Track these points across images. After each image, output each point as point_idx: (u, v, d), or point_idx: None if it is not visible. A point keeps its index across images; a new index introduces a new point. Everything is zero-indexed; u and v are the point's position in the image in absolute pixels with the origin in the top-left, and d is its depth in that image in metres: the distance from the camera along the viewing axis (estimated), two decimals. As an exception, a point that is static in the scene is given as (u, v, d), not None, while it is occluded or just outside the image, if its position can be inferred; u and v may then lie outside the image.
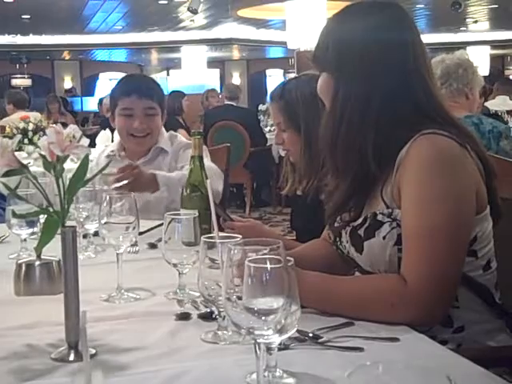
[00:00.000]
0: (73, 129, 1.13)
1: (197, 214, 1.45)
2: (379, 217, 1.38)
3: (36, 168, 1.35)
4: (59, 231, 1.17)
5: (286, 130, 2.11)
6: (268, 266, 0.91)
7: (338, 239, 1.51)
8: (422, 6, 12.25)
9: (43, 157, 1.12)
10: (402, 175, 1.34)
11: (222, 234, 1.23)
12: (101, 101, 9.76)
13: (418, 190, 1.32)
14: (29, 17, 12.73)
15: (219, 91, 9.62)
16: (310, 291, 1.26)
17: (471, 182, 1.34)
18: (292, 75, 14.54)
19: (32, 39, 15.58)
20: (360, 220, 1.42)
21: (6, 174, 1.15)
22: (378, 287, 1.32)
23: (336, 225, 1.52)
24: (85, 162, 1.14)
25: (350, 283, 1.38)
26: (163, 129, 2.64)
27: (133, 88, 2.54)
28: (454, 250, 1.30)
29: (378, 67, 1.39)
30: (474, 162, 1.37)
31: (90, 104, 15.76)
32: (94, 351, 1.14)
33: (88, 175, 1.27)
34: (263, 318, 0.91)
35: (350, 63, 1.40)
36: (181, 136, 2.68)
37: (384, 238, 1.37)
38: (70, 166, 1.34)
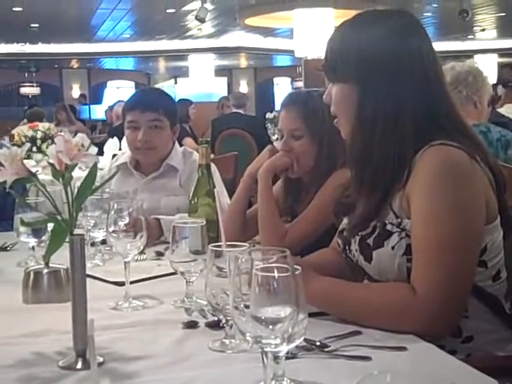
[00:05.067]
0: (81, 137, 1.14)
1: (204, 222, 1.45)
2: (388, 226, 1.38)
3: (44, 176, 1.36)
4: (67, 239, 1.17)
5: (301, 137, 2.01)
6: (276, 274, 0.91)
7: (347, 247, 1.51)
8: (430, 14, 12.28)
9: (52, 165, 1.13)
10: (412, 186, 1.34)
11: (228, 242, 1.23)
12: (110, 108, 9.77)
13: (427, 201, 1.31)
14: (37, 25, 12.83)
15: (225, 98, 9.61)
16: (322, 295, 1.31)
17: (480, 193, 1.34)
18: (300, 83, 14.58)
19: (40, 48, 15.69)
20: (369, 229, 1.42)
21: (15, 183, 1.16)
22: (387, 295, 1.32)
23: (345, 233, 1.52)
24: (93, 171, 1.15)
25: (361, 290, 1.38)
26: (177, 145, 2.58)
27: (137, 101, 2.54)
28: (463, 261, 1.29)
29: (402, 73, 1.39)
30: (484, 172, 1.36)
31: (98, 112, 15.82)
32: (101, 359, 1.15)
33: (99, 182, 1.28)
34: (270, 326, 0.91)
35: (373, 72, 1.39)
36: (197, 154, 2.55)
37: (393, 248, 1.36)
38: (79, 174, 1.34)
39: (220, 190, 2.32)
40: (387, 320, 1.27)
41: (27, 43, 15.16)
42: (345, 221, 1.55)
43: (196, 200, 1.83)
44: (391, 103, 1.39)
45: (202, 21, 10.46)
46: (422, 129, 1.38)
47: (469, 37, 15.42)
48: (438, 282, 1.27)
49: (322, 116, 1.96)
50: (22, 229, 1.80)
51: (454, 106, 1.46)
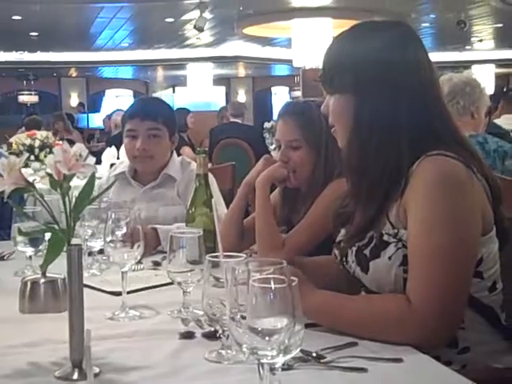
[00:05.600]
0: (79, 147, 1.14)
1: (201, 232, 1.46)
2: (385, 237, 1.38)
3: (42, 185, 1.36)
4: (65, 249, 1.17)
5: (299, 147, 2.00)
6: (272, 285, 0.92)
7: (344, 258, 1.51)
8: (428, 24, 12.32)
9: (50, 175, 1.13)
10: (408, 196, 1.34)
11: (226, 253, 1.23)
12: (108, 117, 9.78)
13: (424, 211, 1.32)
14: (37, 34, 12.84)
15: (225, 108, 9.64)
16: (318, 308, 1.32)
17: (477, 204, 1.34)
18: (298, 93, 14.61)
19: (39, 56, 15.70)
20: (366, 240, 1.42)
21: (13, 192, 1.16)
22: (383, 306, 1.32)
23: (342, 244, 1.52)
24: (91, 181, 1.15)
25: (356, 302, 1.38)
26: (175, 154, 2.59)
27: (136, 110, 2.54)
28: (459, 272, 1.30)
29: (398, 84, 1.40)
30: (480, 183, 1.37)
31: (96, 120, 15.84)
32: (97, 370, 1.14)
33: (97, 191, 1.28)
34: (267, 338, 0.91)
35: (370, 83, 1.40)
36: (194, 164, 2.55)
37: (390, 258, 1.37)
38: (76, 182, 1.34)
39: (217, 199, 2.32)
40: (383, 331, 1.27)
41: (26, 51, 15.17)
42: (342, 232, 1.56)
43: (193, 210, 1.83)
44: (387, 114, 1.39)
45: (200, 30, 10.49)
46: (419, 139, 1.38)
47: (466, 47, 15.46)
48: (433, 293, 1.27)
49: (319, 126, 1.97)
50: (19, 238, 1.80)
51: (450, 116, 1.47)
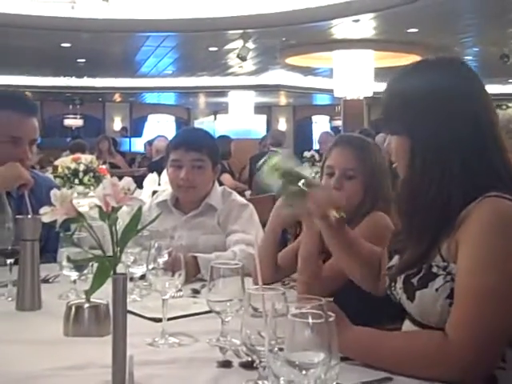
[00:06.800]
0: (127, 181, 1.20)
1: (240, 264, 1.49)
2: (434, 269, 1.40)
3: (88, 209, 1.41)
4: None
5: (353, 177, 2.08)
6: (310, 320, 0.95)
7: (393, 284, 1.52)
8: (471, 57, 12.28)
9: (99, 207, 1.19)
10: (462, 234, 1.35)
11: (265, 286, 1.26)
12: (149, 143, 9.93)
13: (476, 250, 1.33)
14: (84, 60, 13.20)
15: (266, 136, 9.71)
16: (354, 345, 1.33)
17: None
18: (338, 122, 14.66)
19: (86, 81, 16.12)
20: (415, 269, 1.44)
21: (64, 222, 1.22)
22: (420, 343, 1.33)
23: (393, 271, 1.53)
24: (138, 214, 1.20)
25: (393, 338, 1.39)
26: (216, 184, 2.65)
27: (181, 141, 2.62)
28: (503, 312, 1.30)
29: (450, 123, 1.42)
30: None
31: (138, 145, 16.11)
32: (138, 395, 1.18)
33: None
34: (304, 371, 0.94)
35: (423, 123, 1.44)
36: (235, 194, 2.67)
37: (437, 290, 1.38)
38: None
39: (257, 231, 2.37)
40: (420, 368, 1.28)
41: (73, 77, 15.59)
42: (395, 258, 1.57)
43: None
44: (440, 151, 1.42)
45: (243, 59, 10.66)
46: (475, 176, 1.40)
47: (510, 80, 15.36)
48: (473, 331, 1.28)
49: (374, 162, 2.07)
50: (64, 263, 1.86)
51: (506, 150, 1.47)
